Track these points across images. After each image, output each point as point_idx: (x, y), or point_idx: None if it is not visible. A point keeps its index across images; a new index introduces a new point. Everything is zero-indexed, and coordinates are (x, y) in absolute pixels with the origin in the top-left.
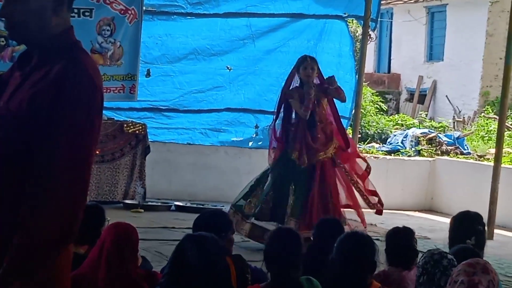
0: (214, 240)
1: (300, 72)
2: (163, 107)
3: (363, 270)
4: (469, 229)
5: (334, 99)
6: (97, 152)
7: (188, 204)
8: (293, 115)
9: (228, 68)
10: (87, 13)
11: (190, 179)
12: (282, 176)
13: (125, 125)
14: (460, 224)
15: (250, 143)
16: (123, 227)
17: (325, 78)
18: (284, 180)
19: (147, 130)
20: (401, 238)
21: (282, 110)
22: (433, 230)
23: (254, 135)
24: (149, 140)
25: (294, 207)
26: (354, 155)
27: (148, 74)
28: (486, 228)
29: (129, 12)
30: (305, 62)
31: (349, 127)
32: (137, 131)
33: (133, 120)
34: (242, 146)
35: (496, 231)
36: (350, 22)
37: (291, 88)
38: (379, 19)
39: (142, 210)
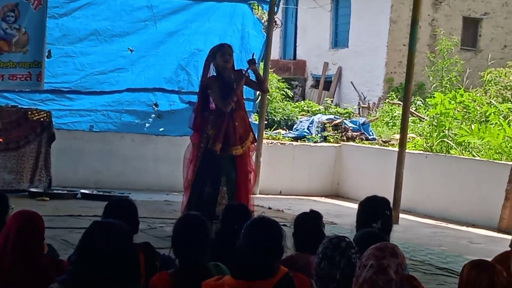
0: (122, 227)
1: (217, 59)
2: (65, 89)
3: (270, 255)
4: (375, 213)
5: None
6: (1, 140)
7: (95, 192)
8: (212, 104)
9: (130, 49)
10: None
11: (96, 166)
12: (212, 168)
13: (30, 113)
14: (367, 208)
15: (147, 125)
16: (28, 215)
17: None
18: (214, 171)
19: (52, 117)
20: (309, 222)
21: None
22: (339, 215)
23: (157, 116)
24: (54, 126)
25: (228, 197)
26: (255, 148)
27: (49, 55)
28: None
29: None
30: (222, 49)
31: (255, 113)
32: (41, 119)
33: (36, 103)
34: (148, 133)
35: (401, 215)
36: (255, 8)
37: (208, 76)
38: (284, 6)
39: (48, 198)
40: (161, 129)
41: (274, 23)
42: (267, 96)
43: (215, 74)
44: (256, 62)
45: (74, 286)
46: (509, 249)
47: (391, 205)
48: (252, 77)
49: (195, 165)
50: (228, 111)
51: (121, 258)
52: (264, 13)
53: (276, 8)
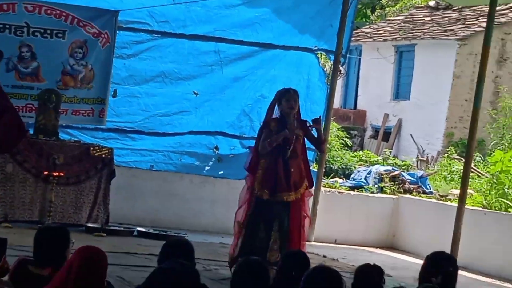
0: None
1: (282, 104)
2: (128, 129)
3: None
4: (438, 268)
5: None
6: (62, 174)
7: (151, 230)
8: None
9: (195, 93)
10: (59, 35)
11: (154, 205)
12: (265, 213)
13: (92, 149)
14: (430, 262)
15: (207, 168)
16: (93, 251)
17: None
18: (267, 216)
19: (113, 155)
20: (372, 275)
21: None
22: (395, 268)
23: (217, 160)
24: (115, 163)
25: (280, 243)
26: (310, 194)
27: (114, 95)
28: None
29: (102, 36)
30: (287, 95)
31: (314, 161)
32: (103, 155)
33: (99, 141)
34: (207, 175)
35: None
36: (319, 56)
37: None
38: (348, 55)
39: (105, 234)
40: (220, 172)
41: (338, 72)
42: (327, 145)
43: (279, 116)
44: (321, 123)
45: None
46: None
47: None
48: (314, 133)
49: (249, 209)
50: (262, 152)
51: None
52: (327, 61)
53: (343, 59)
